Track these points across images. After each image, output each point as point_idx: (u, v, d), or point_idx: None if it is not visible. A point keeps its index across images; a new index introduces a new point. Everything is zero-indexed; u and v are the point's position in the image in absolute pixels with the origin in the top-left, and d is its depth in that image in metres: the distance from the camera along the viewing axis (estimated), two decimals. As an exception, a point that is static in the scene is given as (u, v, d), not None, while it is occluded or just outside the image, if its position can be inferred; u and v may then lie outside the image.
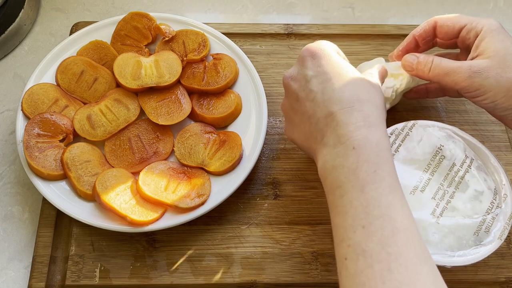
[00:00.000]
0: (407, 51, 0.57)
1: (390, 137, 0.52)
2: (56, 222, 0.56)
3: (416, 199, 0.49)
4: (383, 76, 0.52)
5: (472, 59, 0.51)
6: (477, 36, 0.51)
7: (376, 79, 0.48)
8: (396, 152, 0.51)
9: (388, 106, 0.59)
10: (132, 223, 0.52)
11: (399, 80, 0.59)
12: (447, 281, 0.56)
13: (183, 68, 0.61)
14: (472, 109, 0.65)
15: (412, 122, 0.53)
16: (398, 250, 0.36)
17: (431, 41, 0.57)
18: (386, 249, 0.37)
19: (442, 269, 0.55)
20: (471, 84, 0.49)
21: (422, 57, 0.53)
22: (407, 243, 0.37)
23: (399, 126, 0.53)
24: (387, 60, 0.60)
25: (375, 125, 0.43)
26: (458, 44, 0.55)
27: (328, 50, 0.47)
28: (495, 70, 0.48)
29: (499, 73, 0.48)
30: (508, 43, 0.49)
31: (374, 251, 0.37)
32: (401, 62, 0.55)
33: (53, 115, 0.58)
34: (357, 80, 0.45)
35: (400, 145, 0.51)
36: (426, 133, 0.52)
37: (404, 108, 0.64)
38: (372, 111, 0.43)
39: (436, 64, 0.51)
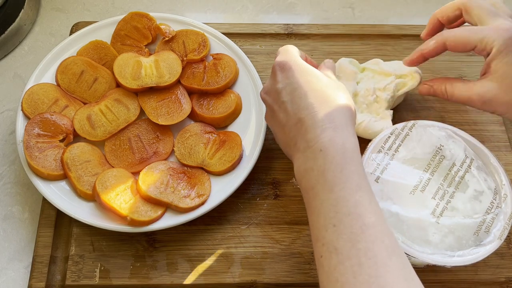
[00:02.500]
0: (416, 63, 0.58)
1: (390, 137, 0.52)
2: (56, 222, 0.56)
3: (416, 199, 0.49)
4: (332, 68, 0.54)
5: (484, 73, 0.52)
6: (488, 55, 0.52)
7: (335, 79, 0.50)
8: (396, 152, 0.51)
9: (387, 106, 0.59)
10: (132, 223, 0.52)
11: (407, 80, 0.60)
12: (447, 281, 0.56)
13: (183, 68, 0.61)
14: (472, 109, 0.65)
15: (412, 122, 0.53)
16: (367, 246, 0.38)
17: (441, 53, 0.57)
18: (356, 246, 0.38)
19: (442, 269, 0.56)
20: (486, 109, 0.52)
21: (435, 86, 0.56)
22: (375, 238, 0.39)
23: (399, 126, 0.53)
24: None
25: (341, 126, 0.44)
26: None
27: (295, 59, 0.49)
28: (503, 97, 0.50)
29: (508, 100, 0.50)
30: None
31: (345, 248, 0.39)
32: (419, 91, 0.58)
33: (53, 115, 0.58)
34: (322, 85, 0.47)
35: (400, 145, 0.51)
36: (426, 133, 0.52)
37: (404, 108, 0.64)
38: (338, 113, 0.45)
39: (450, 94, 0.54)
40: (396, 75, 0.60)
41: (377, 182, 0.49)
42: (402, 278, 0.38)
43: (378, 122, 0.58)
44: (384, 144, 0.51)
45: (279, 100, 0.48)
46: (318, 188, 0.42)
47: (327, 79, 0.48)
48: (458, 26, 0.57)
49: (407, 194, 0.49)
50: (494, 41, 0.50)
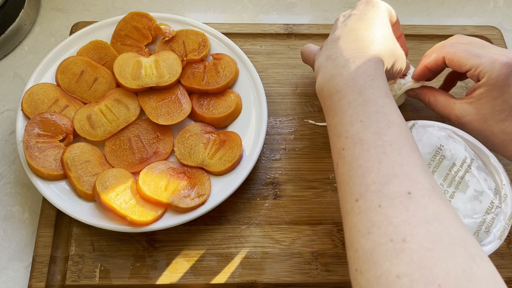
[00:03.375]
0: (424, 76, 0.59)
1: None
2: (56, 222, 0.56)
3: None
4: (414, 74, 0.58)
5: (468, 94, 0.54)
6: (478, 80, 0.53)
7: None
8: None
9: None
10: (132, 223, 0.52)
11: (407, 79, 0.60)
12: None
13: (183, 68, 0.61)
14: (472, 109, 0.65)
15: (412, 122, 0.53)
16: (393, 139, 0.40)
17: (441, 69, 0.59)
18: (382, 138, 0.41)
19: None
20: (461, 128, 0.54)
21: (421, 96, 0.59)
22: (400, 135, 0.41)
23: None
24: None
25: (380, 55, 0.48)
26: None
27: (382, 7, 0.53)
28: (478, 125, 0.53)
29: (480, 128, 0.53)
30: (498, 101, 0.51)
31: (371, 139, 0.41)
32: (407, 94, 0.61)
33: (53, 115, 0.58)
34: (385, 34, 0.50)
35: None
36: (426, 133, 0.52)
37: (404, 108, 0.64)
38: (381, 49, 0.48)
39: (433, 106, 0.58)
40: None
41: None
42: (423, 171, 0.39)
43: None
44: None
45: (346, 21, 0.52)
46: (347, 90, 0.44)
47: (391, 34, 0.51)
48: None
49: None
50: (487, 72, 0.51)
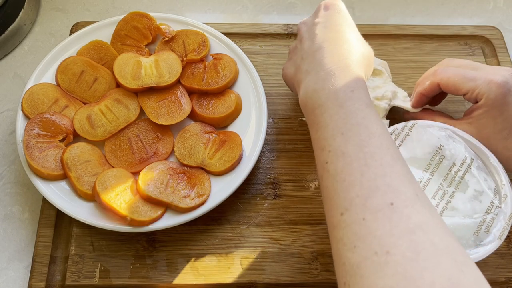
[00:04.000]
0: (422, 104, 0.59)
1: None
2: (56, 222, 0.56)
3: None
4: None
5: (467, 114, 0.55)
6: (476, 102, 0.53)
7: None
8: None
9: (384, 114, 0.59)
10: (132, 223, 0.52)
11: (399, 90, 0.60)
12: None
13: (183, 68, 0.61)
14: (472, 109, 0.65)
15: (412, 122, 0.53)
16: (374, 150, 0.41)
17: (438, 94, 0.59)
18: (363, 150, 0.41)
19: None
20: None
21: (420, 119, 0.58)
22: (381, 145, 0.41)
23: (399, 126, 0.53)
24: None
25: (358, 64, 0.48)
26: None
27: (340, 6, 0.53)
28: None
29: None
30: (499, 120, 0.52)
31: (353, 151, 0.41)
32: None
33: (53, 115, 0.58)
34: (354, 35, 0.51)
35: (400, 145, 0.51)
36: (426, 133, 0.52)
37: (404, 109, 0.64)
38: (358, 55, 0.49)
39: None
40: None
41: None
42: (406, 179, 0.39)
43: None
44: None
45: (311, 30, 0.52)
46: (328, 104, 0.45)
47: (359, 34, 0.52)
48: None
49: None
50: (484, 94, 0.52)
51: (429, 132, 0.52)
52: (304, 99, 0.48)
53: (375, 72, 0.61)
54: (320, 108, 0.45)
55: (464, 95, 0.54)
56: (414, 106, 0.59)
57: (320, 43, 0.50)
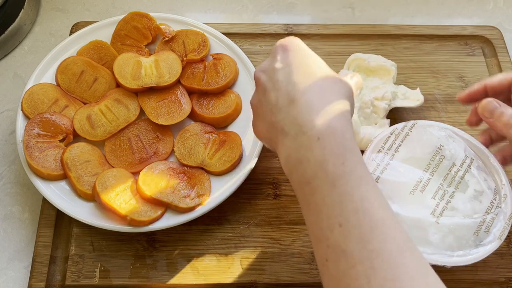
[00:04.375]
0: (471, 98, 0.53)
1: (390, 137, 0.52)
2: (56, 222, 0.56)
3: (416, 199, 0.49)
4: (358, 87, 0.51)
5: None
6: None
7: (348, 79, 0.48)
8: (396, 152, 0.51)
9: (384, 114, 0.59)
10: (132, 223, 0.52)
11: (399, 90, 0.60)
12: (447, 281, 0.56)
13: (183, 68, 0.61)
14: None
15: (412, 122, 0.53)
16: (380, 246, 0.36)
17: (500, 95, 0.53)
18: (367, 247, 0.36)
19: (442, 269, 0.56)
20: None
21: (508, 112, 0.48)
22: (386, 236, 0.36)
23: (399, 126, 0.53)
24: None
25: (340, 113, 0.41)
26: None
27: (298, 43, 0.46)
28: None
29: None
30: None
31: (355, 250, 0.36)
32: (480, 105, 0.50)
33: (53, 115, 0.58)
34: (322, 72, 0.44)
35: (400, 145, 0.51)
36: (426, 133, 0.52)
37: (403, 108, 0.64)
38: (337, 98, 0.42)
39: None
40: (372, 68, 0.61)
41: (377, 182, 0.49)
42: (418, 276, 0.35)
43: (377, 130, 0.58)
44: (384, 144, 0.51)
45: (273, 78, 0.44)
46: (317, 183, 0.38)
47: (329, 69, 0.45)
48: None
49: (407, 194, 0.49)
50: None
51: (429, 132, 0.52)
52: (287, 169, 0.41)
53: (382, 72, 0.61)
54: (308, 186, 0.39)
55: (510, 85, 0.49)
56: (461, 99, 0.53)
57: (289, 92, 0.42)
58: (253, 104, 0.48)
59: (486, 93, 0.51)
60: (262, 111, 0.45)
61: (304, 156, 0.40)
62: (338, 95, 0.42)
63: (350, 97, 0.44)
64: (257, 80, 0.47)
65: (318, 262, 0.39)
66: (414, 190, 0.49)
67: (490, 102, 0.49)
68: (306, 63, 0.44)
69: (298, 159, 0.40)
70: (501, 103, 0.48)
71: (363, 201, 0.37)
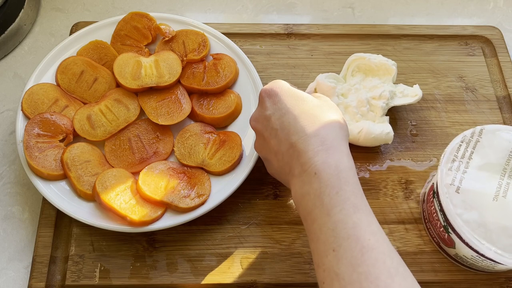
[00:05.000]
0: None
1: (461, 145, 0.51)
2: (56, 222, 0.56)
3: (500, 205, 0.48)
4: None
5: None
6: None
7: (326, 99, 0.50)
8: (470, 160, 0.50)
9: (382, 113, 0.59)
10: (132, 223, 0.52)
11: (397, 88, 0.60)
12: (447, 281, 0.56)
13: (183, 68, 0.61)
14: (472, 109, 0.65)
15: (479, 127, 0.52)
16: (368, 269, 0.38)
17: None
18: (357, 270, 0.38)
19: (442, 269, 0.56)
20: None
21: None
22: (375, 261, 0.38)
23: (467, 133, 0.52)
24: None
25: (333, 147, 0.44)
26: None
27: (282, 85, 0.49)
28: None
29: None
30: None
31: (346, 273, 0.38)
32: None
33: (53, 115, 0.58)
34: (311, 106, 0.47)
35: (472, 152, 0.51)
36: (496, 137, 0.52)
37: (404, 108, 0.64)
38: (328, 133, 0.45)
39: None
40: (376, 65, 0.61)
41: (458, 192, 0.49)
42: None
43: (377, 125, 0.58)
44: (457, 153, 0.51)
45: (269, 126, 0.48)
46: (316, 213, 0.42)
47: (317, 100, 0.48)
48: None
49: (490, 201, 0.48)
50: None
51: (499, 136, 0.52)
52: (296, 203, 0.46)
53: (382, 72, 0.61)
54: (310, 216, 0.43)
55: None
56: None
57: (286, 138, 0.46)
58: (258, 150, 0.52)
59: None
60: (269, 157, 0.50)
61: (306, 190, 0.43)
62: (328, 126, 0.46)
63: (342, 126, 0.47)
64: (253, 129, 0.51)
65: (319, 286, 0.42)
66: (496, 196, 0.49)
67: None
68: (291, 103, 0.47)
69: (302, 194, 0.44)
70: None
71: (355, 228, 0.40)
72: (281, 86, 0.49)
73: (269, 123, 0.48)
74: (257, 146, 0.52)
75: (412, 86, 0.62)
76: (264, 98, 0.50)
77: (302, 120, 0.46)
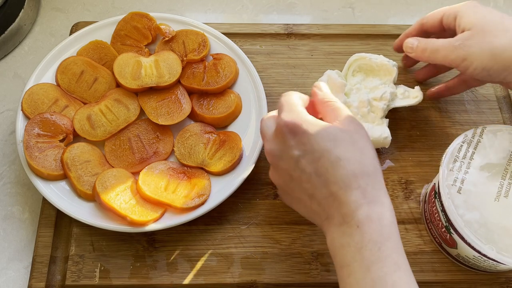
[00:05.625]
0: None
1: (462, 145, 0.51)
2: (56, 222, 0.56)
3: (502, 205, 0.48)
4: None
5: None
6: (456, 18, 0.54)
7: (346, 116, 0.47)
8: (471, 160, 0.51)
9: (382, 114, 0.59)
10: (132, 223, 0.52)
11: (399, 91, 0.60)
12: (447, 281, 0.56)
13: (183, 68, 0.61)
14: (472, 109, 0.65)
15: (480, 127, 0.52)
16: None
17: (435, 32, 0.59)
18: None
19: (442, 269, 0.55)
20: (457, 56, 0.52)
21: (422, 40, 0.57)
22: None
23: (468, 133, 0.52)
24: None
25: (375, 199, 0.42)
26: (447, 35, 0.56)
27: (304, 118, 0.45)
28: (475, 39, 0.51)
29: (479, 41, 0.51)
30: (484, 12, 0.52)
31: None
32: (403, 45, 0.59)
33: (53, 115, 0.58)
34: (346, 148, 0.44)
35: (473, 152, 0.51)
36: (497, 137, 0.52)
37: (404, 108, 0.63)
38: (368, 183, 0.43)
39: (429, 43, 0.55)
40: (378, 66, 0.61)
41: (460, 193, 0.49)
42: None
43: (376, 128, 0.58)
44: (458, 153, 0.51)
45: (298, 168, 0.44)
46: (355, 266, 0.41)
47: (347, 135, 0.44)
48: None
49: (491, 201, 0.48)
50: (459, 5, 0.55)
51: (500, 136, 0.52)
52: (331, 250, 0.44)
53: (383, 73, 0.61)
54: (347, 268, 0.41)
55: (442, 18, 0.56)
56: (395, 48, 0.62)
57: (324, 185, 0.43)
58: (277, 184, 0.49)
59: (424, 32, 0.59)
60: (296, 196, 0.47)
61: (346, 241, 0.42)
62: (371, 177, 0.43)
63: (379, 167, 0.45)
64: (274, 165, 0.47)
65: None
66: (498, 196, 0.49)
67: (409, 39, 0.58)
68: (323, 145, 0.43)
69: (341, 244, 0.43)
70: (419, 38, 0.57)
71: (394, 286, 0.39)
72: (304, 119, 0.45)
73: (299, 165, 0.44)
74: (277, 179, 0.48)
75: (413, 87, 0.61)
76: (286, 134, 0.45)
77: (341, 168, 0.43)
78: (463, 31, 0.52)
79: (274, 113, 0.49)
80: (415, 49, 0.57)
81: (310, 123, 0.45)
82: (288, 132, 0.45)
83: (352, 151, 0.44)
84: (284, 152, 0.45)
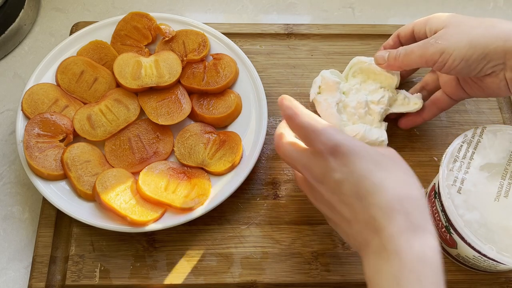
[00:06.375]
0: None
1: (462, 145, 0.51)
2: (56, 222, 0.56)
3: (502, 205, 0.48)
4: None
5: None
6: (426, 24, 0.55)
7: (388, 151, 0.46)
8: (471, 160, 0.50)
9: (380, 118, 0.59)
10: (132, 223, 0.52)
11: (397, 96, 0.60)
12: (447, 281, 0.56)
13: (183, 68, 0.61)
14: (472, 109, 0.65)
15: (480, 127, 0.52)
16: None
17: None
18: None
19: (443, 270, 0.55)
20: (435, 51, 0.51)
21: (392, 50, 0.57)
22: None
23: (468, 133, 0.52)
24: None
25: (420, 226, 0.40)
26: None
27: (347, 139, 0.43)
28: (451, 31, 0.51)
29: (456, 32, 0.51)
30: (455, 14, 0.53)
31: None
32: (374, 59, 0.59)
33: (53, 115, 0.58)
34: (385, 169, 0.42)
35: (473, 152, 0.51)
36: (497, 137, 0.52)
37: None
38: (413, 208, 0.41)
39: (401, 48, 0.55)
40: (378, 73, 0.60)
41: (460, 193, 0.49)
42: None
43: (374, 130, 0.58)
44: (458, 153, 0.51)
45: (339, 191, 0.43)
46: None
47: (383, 156, 0.43)
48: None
49: (491, 201, 0.48)
50: (427, 17, 0.56)
51: (500, 136, 0.52)
52: (368, 276, 0.42)
53: (384, 77, 0.61)
54: None
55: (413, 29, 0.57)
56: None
57: (365, 209, 0.41)
58: (315, 203, 0.48)
59: (399, 44, 0.59)
60: (335, 218, 0.45)
61: (384, 268, 0.40)
62: (415, 202, 0.41)
63: (422, 193, 0.43)
64: (313, 187, 0.46)
65: None
66: (497, 196, 0.49)
67: (377, 53, 0.58)
68: (365, 167, 0.42)
69: (377, 270, 0.40)
70: (389, 50, 0.57)
71: None
72: (347, 140, 0.43)
73: (340, 188, 0.43)
74: (314, 198, 0.47)
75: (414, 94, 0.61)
76: (328, 157, 0.43)
77: (383, 191, 0.41)
78: (435, 33, 0.53)
79: (284, 130, 0.48)
80: (387, 58, 0.56)
81: (351, 144, 0.43)
82: (330, 155, 0.43)
83: (395, 173, 0.42)
84: (325, 175, 0.44)
